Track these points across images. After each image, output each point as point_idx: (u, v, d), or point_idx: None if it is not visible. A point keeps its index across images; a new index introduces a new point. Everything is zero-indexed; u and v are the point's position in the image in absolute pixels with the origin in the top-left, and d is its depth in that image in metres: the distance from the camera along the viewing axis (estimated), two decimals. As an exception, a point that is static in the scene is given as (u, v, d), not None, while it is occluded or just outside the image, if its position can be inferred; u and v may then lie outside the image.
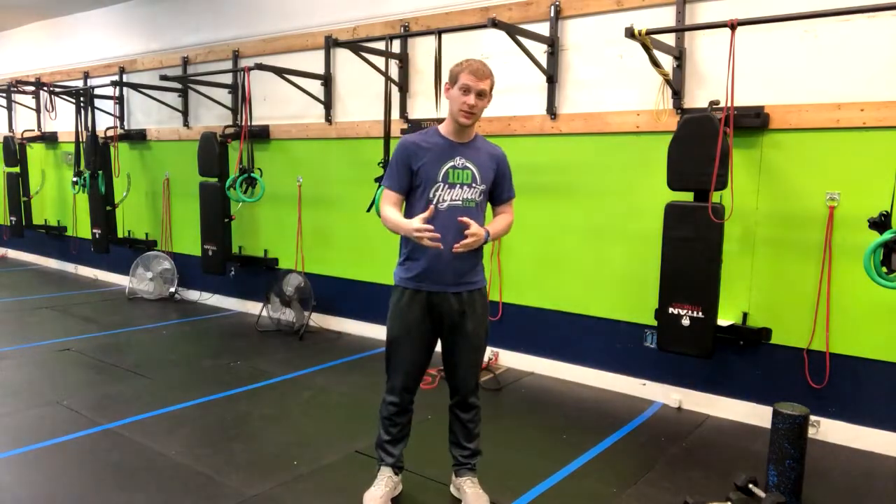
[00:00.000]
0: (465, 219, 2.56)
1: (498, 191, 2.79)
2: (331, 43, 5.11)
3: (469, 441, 2.87)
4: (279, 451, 3.38)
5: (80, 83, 8.02)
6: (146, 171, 7.53)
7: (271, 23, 6.16)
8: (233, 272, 6.66)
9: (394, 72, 5.22)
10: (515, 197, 2.87)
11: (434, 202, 2.62)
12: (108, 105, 7.57)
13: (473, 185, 2.66)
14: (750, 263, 3.89)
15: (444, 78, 4.25)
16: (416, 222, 2.51)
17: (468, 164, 2.66)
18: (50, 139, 8.60)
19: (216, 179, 6.09)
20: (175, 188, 7.20)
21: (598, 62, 4.38)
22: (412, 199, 2.71)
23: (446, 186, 2.63)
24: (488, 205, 2.84)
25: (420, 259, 2.67)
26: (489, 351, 4.92)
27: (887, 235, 2.84)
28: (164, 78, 6.26)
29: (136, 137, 7.47)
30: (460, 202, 2.64)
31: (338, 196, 5.80)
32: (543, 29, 4.51)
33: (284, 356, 5.13)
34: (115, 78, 7.55)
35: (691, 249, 3.65)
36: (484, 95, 2.60)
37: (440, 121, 5.03)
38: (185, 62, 6.89)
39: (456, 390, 2.84)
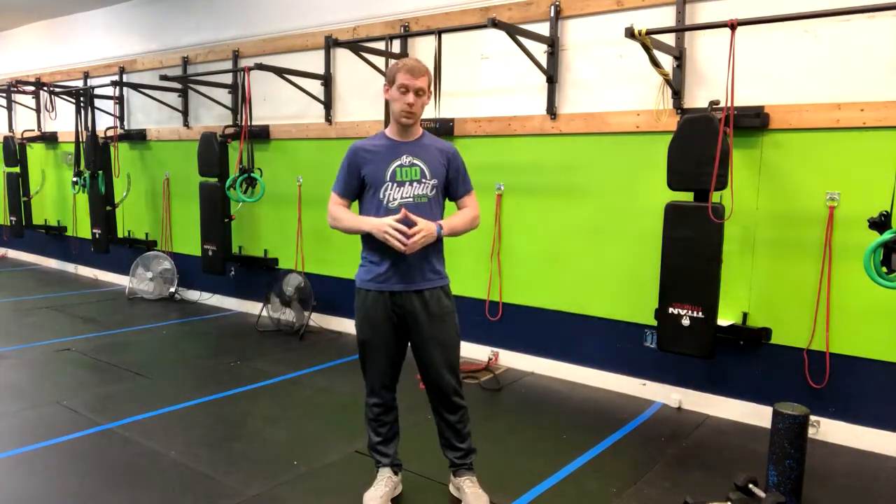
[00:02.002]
0: (410, 215, 2.58)
1: (453, 186, 2.79)
2: (331, 43, 5.12)
3: (461, 441, 2.85)
4: (279, 451, 3.38)
5: (80, 83, 8.02)
6: (146, 171, 7.53)
7: (271, 23, 6.16)
8: (233, 272, 6.66)
9: (394, 72, 5.21)
10: (473, 190, 2.86)
11: (385, 202, 2.65)
12: (108, 105, 7.57)
13: (423, 180, 2.67)
14: (750, 263, 3.89)
15: (444, 78, 4.29)
16: (390, 220, 2.56)
17: (415, 161, 2.67)
18: (50, 139, 8.60)
19: (216, 179, 6.08)
20: (175, 188, 7.20)
21: (598, 62, 4.38)
22: (363, 200, 2.74)
23: (395, 185, 2.65)
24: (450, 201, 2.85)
25: (380, 260, 2.67)
26: (489, 351, 4.92)
27: (887, 235, 2.84)
28: (164, 78, 6.25)
29: (136, 137, 7.47)
30: (411, 199, 2.65)
31: (338, 196, 5.79)
32: (543, 29, 4.51)
33: (284, 356, 5.13)
34: (115, 78, 7.55)
35: (691, 249, 3.64)
36: (423, 93, 2.62)
37: (438, 120, 5.06)
38: (185, 62, 6.89)
39: (434, 391, 2.80)
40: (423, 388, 2.86)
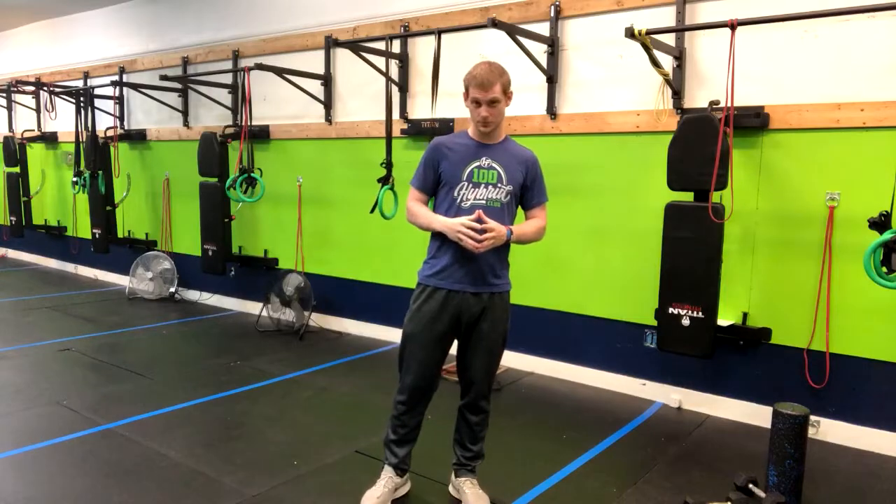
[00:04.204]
0: (483, 216, 2.56)
1: (528, 195, 2.77)
2: (331, 43, 5.12)
3: (473, 443, 2.87)
4: (279, 451, 3.38)
5: (80, 83, 8.02)
6: (146, 171, 7.53)
7: (271, 23, 6.16)
8: (233, 272, 6.66)
9: (394, 72, 5.22)
10: (547, 201, 2.83)
11: (458, 201, 2.64)
12: (108, 105, 7.57)
13: (499, 185, 2.66)
14: (750, 263, 3.89)
15: (443, 78, 4.29)
16: (463, 219, 2.56)
17: (494, 165, 2.66)
18: (50, 139, 8.60)
19: (216, 179, 6.08)
20: (175, 188, 7.20)
21: (598, 62, 4.38)
22: (438, 198, 2.73)
23: (470, 186, 2.64)
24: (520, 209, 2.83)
25: (444, 257, 2.67)
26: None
27: (887, 235, 2.84)
28: (164, 78, 6.25)
29: (136, 137, 7.47)
30: (484, 201, 2.63)
31: (338, 196, 5.80)
32: (543, 29, 4.51)
33: (284, 356, 5.13)
34: (115, 78, 7.55)
35: (691, 249, 3.65)
36: (497, 102, 2.60)
37: (438, 120, 5.06)
38: (185, 62, 6.89)
39: (466, 391, 2.83)
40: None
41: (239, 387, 4.35)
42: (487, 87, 2.57)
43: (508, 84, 2.65)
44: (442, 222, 2.62)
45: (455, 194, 2.65)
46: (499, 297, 2.75)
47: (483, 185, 2.65)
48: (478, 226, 2.55)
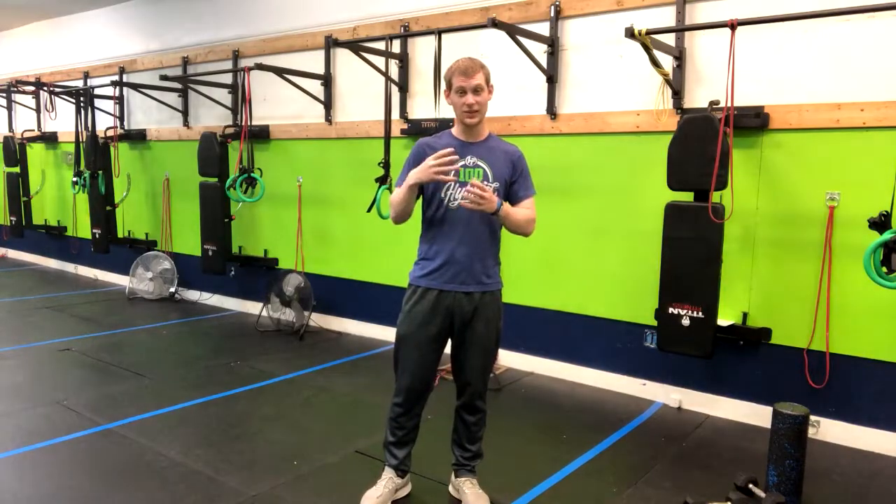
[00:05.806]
0: (475, 182, 2.51)
1: (515, 188, 2.75)
2: (331, 43, 5.12)
3: (471, 443, 2.87)
4: (279, 451, 3.38)
5: (80, 83, 8.02)
6: (146, 171, 7.53)
7: (271, 23, 6.16)
8: (233, 272, 6.66)
9: (394, 72, 5.22)
10: (536, 194, 2.79)
11: (446, 201, 2.64)
12: (108, 105, 7.58)
13: (486, 182, 2.65)
14: (750, 263, 3.89)
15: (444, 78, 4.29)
16: (431, 158, 2.49)
17: (479, 163, 2.66)
18: (50, 139, 8.60)
19: (216, 179, 6.09)
20: (175, 188, 7.20)
21: (598, 62, 4.38)
22: (425, 199, 2.72)
23: (457, 185, 2.64)
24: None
25: (435, 258, 2.67)
26: (489, 351, 4.91)
27: (887, 235, 2.84)
28: (164, 78, 6.25)
29: (136, 137, 7.47)
30: None
31: (338, 196, 5.80)
32: (543, 29, 4.51)
33: (284, 356, 5.13)
34: (115, 78, 7.55)
35: (691, 249, 3.65)
36: (481, 90, 2.60)
37: (438, 120, 5.06)
38: (185, 62, 6.89)
39: (462, 391, 2.83)
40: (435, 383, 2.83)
41: (239, 387, 4.35)
42: (470, 74, 2.57)
43: (489, 77, 2.65)
44: (414, 175, 2.54)
45: (442, 194, 2.64)
46: (490, 295, 2.74)
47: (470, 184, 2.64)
48: (446, 151, 2.47)
